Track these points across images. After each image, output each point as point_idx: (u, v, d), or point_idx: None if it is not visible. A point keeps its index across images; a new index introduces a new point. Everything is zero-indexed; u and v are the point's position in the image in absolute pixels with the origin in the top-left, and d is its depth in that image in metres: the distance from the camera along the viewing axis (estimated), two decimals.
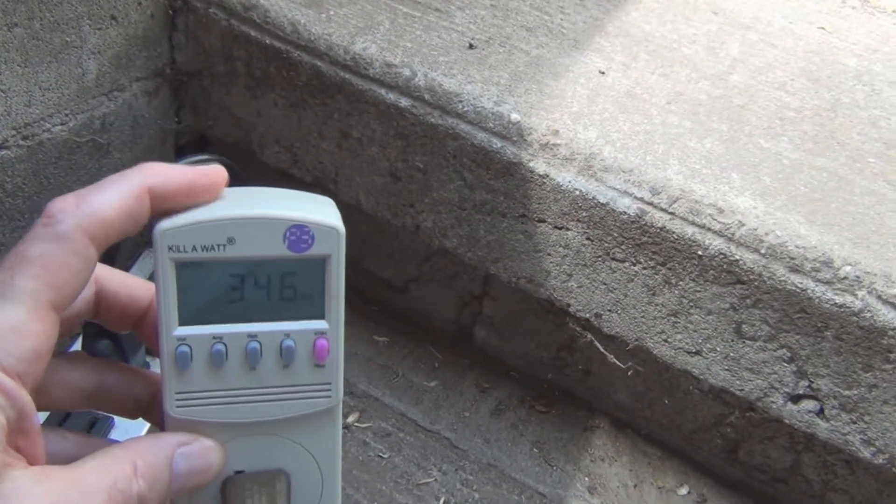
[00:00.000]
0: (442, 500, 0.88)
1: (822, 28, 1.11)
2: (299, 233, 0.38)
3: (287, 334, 0.39)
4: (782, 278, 0.73)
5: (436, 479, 0.90)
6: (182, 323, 0.38)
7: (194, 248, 0.37)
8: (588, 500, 0.91)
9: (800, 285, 0.73)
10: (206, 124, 0.99)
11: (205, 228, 0.37)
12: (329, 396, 0.40)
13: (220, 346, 0.38)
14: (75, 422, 0.80)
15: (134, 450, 0.36)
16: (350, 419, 0.94)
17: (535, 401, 1.01)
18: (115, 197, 0.36)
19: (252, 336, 0.39)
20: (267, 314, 0.39)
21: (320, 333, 0.39)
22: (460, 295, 1.00)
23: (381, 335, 1.05)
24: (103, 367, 0.43)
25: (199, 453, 0.38)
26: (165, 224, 0.37)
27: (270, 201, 0.39)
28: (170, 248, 0.37)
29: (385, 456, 0.91)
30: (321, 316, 0.39)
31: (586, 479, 0.93)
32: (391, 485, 0.88)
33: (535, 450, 0.95)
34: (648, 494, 0.93)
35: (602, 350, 0.89)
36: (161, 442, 0.37)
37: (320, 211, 0.39)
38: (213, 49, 0.91)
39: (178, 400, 0.39)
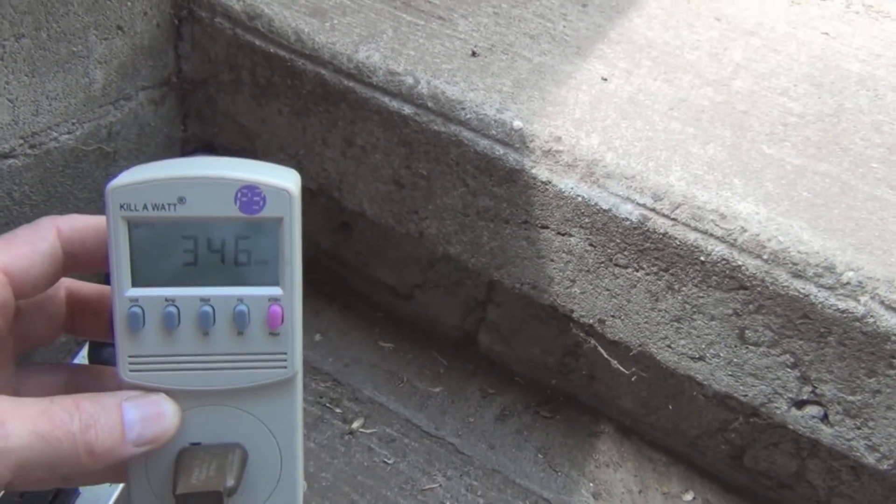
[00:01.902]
0: None
1: (826, 33, 1.11)
2: (251, 194, 0.38)
3: (240, 299, 0.39)
4: (785, 284, 0.73)
5: (440, 485, 0.90)
6: (135, 284, 0.38)
7: (145, 207, 0.37)
8: None
9: (802, 291, 0.73)
10: (211, 132, 0.99)
11: (155, 186, 0.37)
12: (284, 367, 0.40)
13: (172, 309, 0.38)
14: (37, 494, 0.78)
15: (78, 396, 0.36)
16: (355, 425, 0.95)
17: (540, 406, 1.01)
18: (91, 217, 0.40)
19: (205, 300, 0.39)
20: (221, 279, 0.39)
21: (274, 300, 0.39)
22: (465, 301, 1.00)
23: (386, 341, 1.06)
24: (74, 369, 0.44)
25: (150, 402, 0.38)
26: (116, 181, 0.37)
27: (226, 165, 0.39)
28: (121, 206, 0.37)
29: (390, 461, 0.92)
30: (276, 282, 0.39)
31: (591, 484, 0.93)
32: (396, 490, 0.89)
33: (539, 455, 0.95)
34: (653, 500, 0.93)
35: (606, 356, 0.89)
36: (107, 394, 0.37)
37: (276, 175, 0.39)
38: (219, 58, 0.92)
39: (130, 364, 0.39)
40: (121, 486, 0.80)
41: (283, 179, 0.39)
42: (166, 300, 0.38)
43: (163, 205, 0.37)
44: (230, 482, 0.39)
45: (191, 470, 0.39)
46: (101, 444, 0.35)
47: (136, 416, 0.37)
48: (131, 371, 0.39)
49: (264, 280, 0.39)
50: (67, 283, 0.44)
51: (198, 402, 0.40)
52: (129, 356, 0.38)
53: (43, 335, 0.43)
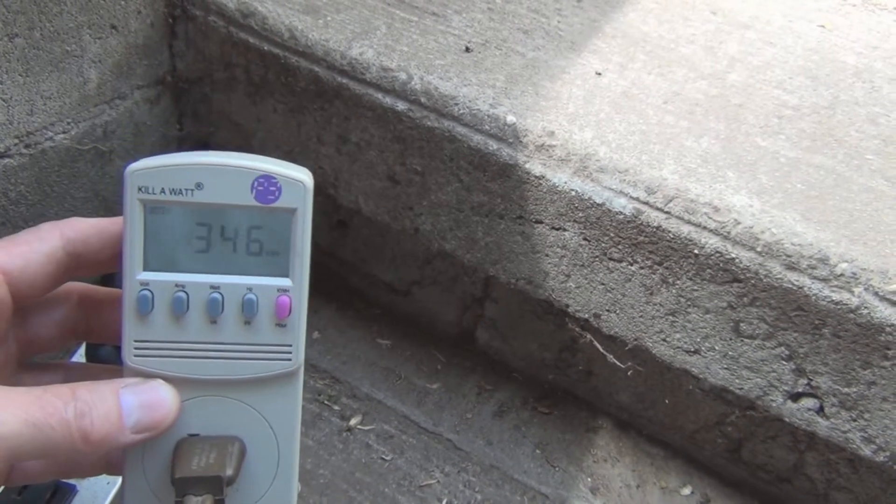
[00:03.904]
0: (444, 502, 0.89)
1: (822, 26, 1.10)
2: (267, 183, 0.38)
3: (250, 288, 0.39)
4: (779, 276, 0.73)
5: (438, 481, 0.90)
6: (146, 268, 0.39)
7: (163, 191, 0.38)
8: (591, 500, 0.91)
9: (796, 283, 0.72)
10: (207, 131, 1.00)
11: (174, 171, 0.38)
12: (289, 359, 0.40)
13: (181, 294, 0.39)
14: (35, 491, 0.77)
15: (75, 384, 0.36)
16: (353, 421, 0.95)
17: (538, 402, 1.01)
18: (93, 219, 0.40)
19: (215, 287, 0.39)
20: (232, 267, 0.39)
21: (283, 290, 0.39)
22: (462, 297, 1.00)
23: (384, 338, 1.06)
24: (72, 368, 0.44)
25: (148, 387, 0.38)
26: (136, 165, 0.37)
27: (244, 156, 0.39)
28: (139, 189, 0.37)
29: (388, 458, 0.92)
30: (285, 273, 0.40)
31: (589, 479, 0.93)
32: (394, 487, 0.89)
33: (537, 451, 0.95)
34: (651, 495, 0.93)
35: (602, 350, 0.89)
36: (104, 381, 0.37)
37: (291, 167, 0.39)
38: (213, 56, 0.92)
39: (136, 348, 0.39)
40: (118, 483, 0.80)
41: (299, 172, 0.39)
42: (176, 285, 0.39)
43: (180, 189, 0.38)
44: (230, 471, 0.39)
45: (190, 457, 0.39)
46: (97, 430, 0.35)
47: (134, 402, 0.37)
48: (136, 356, 0.39)
49: (274, 270, 0.40)
50: (81, 289, 0.44)
51: (199, 391, 0.40)
52: (135, 340, 0.38)
53: (50, 340, 0.43)
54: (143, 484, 0.41)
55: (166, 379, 0.39)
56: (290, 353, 0.40)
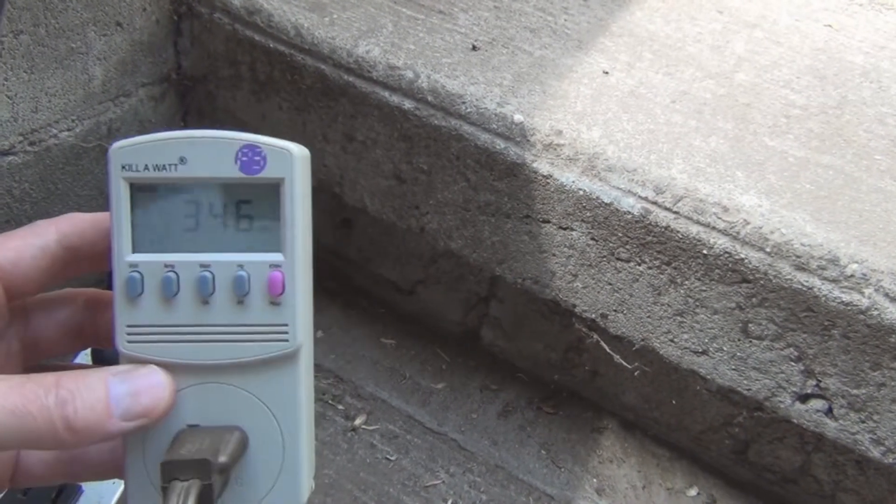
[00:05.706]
0: (450, 502, 0.88)
1: (829, 26, 1.10)
2: (251, 153, 0.37)
3: (241, 265, 0.38)
4: (788, 277, 0.72)
5: (443, 481, 0.90)
6: (135, 250, 0.38)
7: (146, 167, 0.37)
8: (596, 501, 0.91)
9: (806, 284, 0.72)
10: (212, 129, 0.99)
11: (156, 146, 0.37)
12: (286, 340, 0.39)
13: (171, 275, 0.37)
14: (40, 491, 0.77)
15: (61, 373, 0.34)
16: (357, 421, 0.94)
17: (543, 402, 1.00)
18: (90, 213, 0.39)
19: (205, 266, 0.38)
20: (222, 245, 0.38)
21: (275, 266, 0.38)
22: (467, 297, 1.00)
23: (389, 338, 1.05)
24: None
25: (141, 374, 0.36)
26: (118, 143, 0.37)
27: (228, 131, 0.39)
28: (122, 167, 0.37)
29: (392, 458, 0.91)
30: (277, 248, 0.38)
31: (594, 480, 0.93)
32: (399, 487, 0.88)
33: (542, 451, 0.95)
34: (657, 496, 0.92)
35: (608, 351, 0.88)
36: (93, 370, 0.35)
37: (281, 140, 0.38)
38: (218, 54, 0.92)
39: (128, 334, 0.37)
40: (123, 483, 0.80)
41: (287, 142, 0.38)
42: (165, 266, 0.37)
43: (164, 165, 0.37)
44: (222, 458, 0.37)
45: (183, 444, 0.37)
46: (80, 418, 0.33)
47: (124, 389, 0.35)
48: (129, 342, 0.37)
49: (266, 246, 0.38)
50: (90, 292, 0.43)
51: (197, 378, 0.38)
52: (128, 325, 0.37)
53: (55, 342, 0.42)
54: (144, 476, 0.39)
55: (161, 365, 0.37)
56: (287, 332, 0.38)
